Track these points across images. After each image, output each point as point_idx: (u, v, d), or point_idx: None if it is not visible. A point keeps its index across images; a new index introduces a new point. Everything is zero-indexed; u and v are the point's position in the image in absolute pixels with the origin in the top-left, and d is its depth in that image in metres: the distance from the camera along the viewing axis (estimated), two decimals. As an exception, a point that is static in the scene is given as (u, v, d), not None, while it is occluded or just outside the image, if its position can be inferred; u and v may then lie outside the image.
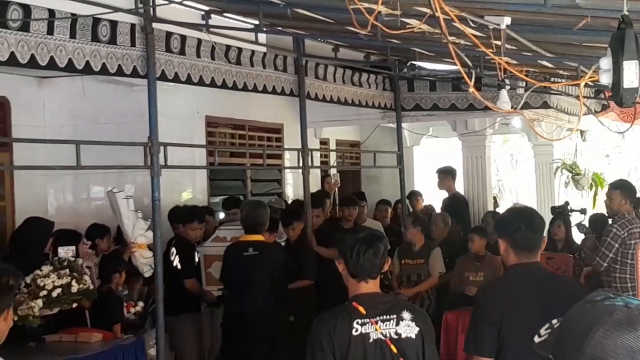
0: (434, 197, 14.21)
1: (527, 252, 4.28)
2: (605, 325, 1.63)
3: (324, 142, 13.26)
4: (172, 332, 7.96)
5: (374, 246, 4.10)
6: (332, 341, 4.00)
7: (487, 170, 12.58)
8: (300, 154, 9.31)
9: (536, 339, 1.85)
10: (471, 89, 5.62)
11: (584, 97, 9.67)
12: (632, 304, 1.67)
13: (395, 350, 4.01)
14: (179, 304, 7.97)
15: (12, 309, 3.38)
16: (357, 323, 4.00)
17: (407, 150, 13.28)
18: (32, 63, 5.91)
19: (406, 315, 4.07)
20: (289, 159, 10.84)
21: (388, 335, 4.02)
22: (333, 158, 13.50)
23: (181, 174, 9.07)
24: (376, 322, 4.02)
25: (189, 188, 9.45)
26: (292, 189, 11.14)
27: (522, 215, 4.48)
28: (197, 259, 8.32)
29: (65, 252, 6.55)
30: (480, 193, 12.35)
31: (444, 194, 12.63)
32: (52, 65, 6.09)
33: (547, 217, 11.92)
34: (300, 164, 9.32)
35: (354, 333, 3.99)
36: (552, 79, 10.38)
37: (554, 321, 1.82)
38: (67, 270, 6.15)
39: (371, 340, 4.00)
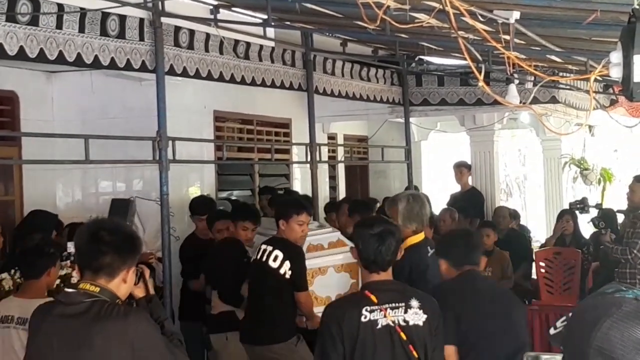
0: (440, 192, 14.20)
1: None
2: (613, 317, 1.63)
3: (332, 137, 13.25)
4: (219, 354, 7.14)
5: (387, 242, 4.25)
6: (340, 328, 4.11)
7: (495, 165, 12.57)
8: (308, 148, 9.30)
9: (551, 331, 1.86)
10: (481, 83, 5.62)
11: (594, 92, 9.63)
12: None
13: (404, 337, 4.10)
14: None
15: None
16: (366, 310, 4.12)
17: (415, 145, 13.26)
18: (41, 57, 5.91)
19: (414, 303, 4.18)
20: (297, 153, 10.83)
21: (397, 322, 4.13)
22: (341, 153, 13.49)
23: (189, 169, 9.06)
24: (385, 310, 4.13)
25: (197, 183, 9.45)
26: (300, 183, 11.13)
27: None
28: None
29: (72, 246, 6.53)
30: (489, 188, 12.33)
31: (451, 189, 12.62)
32: (61, 59, 6.09)
33: (556, 212, 11.94)
34: (308, 159, 9.32)
35: (362, 320, 4.11)
36: (561, 74, 10.35)
37: (570, 314, 1.83)
38: (68, 262, 6.12)
39: (380, 326, 4.11)
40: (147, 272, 3.88)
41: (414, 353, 4.10)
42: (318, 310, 6.33)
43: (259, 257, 6.45)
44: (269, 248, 6.40)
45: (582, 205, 9.64)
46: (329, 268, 6.73)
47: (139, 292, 3.82)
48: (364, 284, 4.31)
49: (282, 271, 6.29)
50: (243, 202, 8.67)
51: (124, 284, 3.55)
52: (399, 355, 4.11)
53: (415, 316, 4.14)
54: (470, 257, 5.00)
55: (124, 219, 6.83)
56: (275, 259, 6.32)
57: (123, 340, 3.40)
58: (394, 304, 4.15)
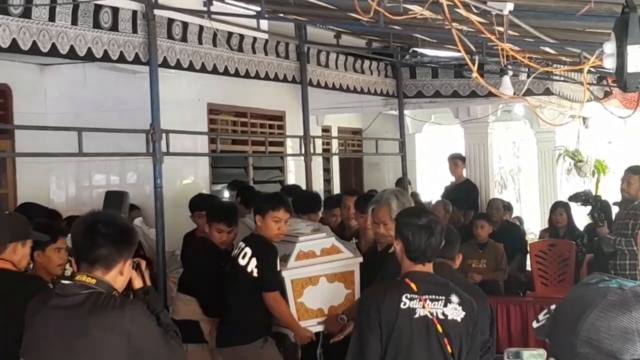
0: (433, 184, 14.23)
1: None
2: (598, 307, 1.64)
3: (326, 130, 13.24)
4: None
5: (435, 232, 4.22)
6: (379, 313, 4.12)
7: (489, 157, 12.58)
8: (302, 141, 9.30)
9: (534, 325, 1.86)
10: (474, 74, 5.62)
11: (587, 83, 9.64)
12: (626, 286, 1.68)
13: (440, 330, 4.10)
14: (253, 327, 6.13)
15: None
16: (406, 297, 4.13)
17: (409, 138, 13.26)
18: (34, 50, 5.89)
19: (454, 298, 4.19)
20: (291, 146, 10.82)
21: (435, 314, 4.14)
22: (335, 145, 13.48)
23: (183, 162, 9.05)
24: (425, 300, 4.13)
25: (191, 175, 9.44)
26: (294, 176, 11.13)
27: None
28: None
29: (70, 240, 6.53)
30: (483, 180, 12.35)
31: (445, 182, 12.64)
32: (53, 52, 6.08)
33: (550, 204, 11.96)
34: (302, 152, 9.31)
35: (402, 306, 4.11)
36: (555, 66, 10.35)
37: (552, 307, 1.84)
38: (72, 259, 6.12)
39: (417, 316, 4.12)
40: (143, 264, 3.87)
41: (448, 348, 4.11)
42: (307, 324, 5.99)
43: (234, 254, 6.13)
44: (242, 245, 6.07)
45: (586, 197, 9.64)
46: (321, 278, 6.07)
47: (137, 284, 3.81)
48: (405, 272, 4.26)
49: (249, 269, 5.92)
50: (221, 201, 8.02)
51: (120, 276, 3.56)
52: (434, 347, 4.12)
53: (454, 311, 4.15)
54: (442, 250, 4.83)
55: (118, 211, 6.76)
56: (244, 256, 5.97)
57: (119, 331, 3.40)
58: (434, 296, 4.15)
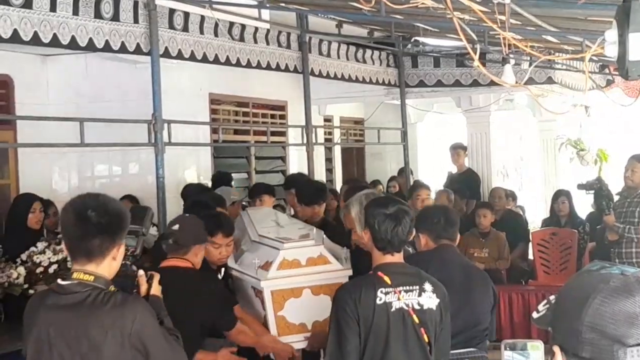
0: (434, 173, 14.22)
1: None
2: (602, 293, 1.65)
3: (328, 119, 13.25)
4: None
5: (402, 222, 4.16)
6: (357, 309, 4.06)
7: (491, 147, 12.58)
8: (304, 131, 9.30)
9: (534, 315, 1.86)
10: (476, 63, 5.61)
11: (589, 72, 9.64)
12: (627, 272, 1.69)
13: (417, 320, 4.08)
14: None
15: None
16: (381, 292, 4.08)
17: (411, 127, 13.26)
18: (35, 40, 5.90)
19: (428, 286, 4.16)
20: (293, 136, 10.82)
21: (410, 305, 4.10)
22: (337, 135, 13.48)
23: (185, 152, 9.05)
24: (399, 292, 4.09)
25: (193, 166, 9.44)
26: (296, 166, 11.13)
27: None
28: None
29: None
30: (485, 169, 12.34)
31: (446, 171, 12.63)
32: (55, 42, 6.08)
33: (552, 192, 11.95)
34: (305, 141, 9.31)
35: (378, 302, 4.06)
36: (557, 54, 10.34)
37: (551, 297, 1.84)
38: (63, 246, 6.11)
39: (394, 309, 4.08)
40: (156, 277, 3.70)
41: (425, 337, 4.09)
42: (288, 340, 5.30)
43: None
44: None
45: (599, 184, 9.60)
46: (305, 289, 5.39)
47: (142, 290, 3.67)
48: (376, 265, 4.21)
49: None
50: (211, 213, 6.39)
51: (113, 261, 3.47)
52: (411, 338, 4.09)
53: (429, 300, 4.12)
54: (448, 231, 5.09)
55: (140, 227, 6.53)
56: None
57: (120, 329, 3.34)
58: (407, 287, 4.11)
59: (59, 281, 3.51)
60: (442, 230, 5.08)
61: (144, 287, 3.67)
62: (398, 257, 4.22)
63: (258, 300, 5.44)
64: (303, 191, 7.26)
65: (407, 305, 4.08)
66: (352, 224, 5.25)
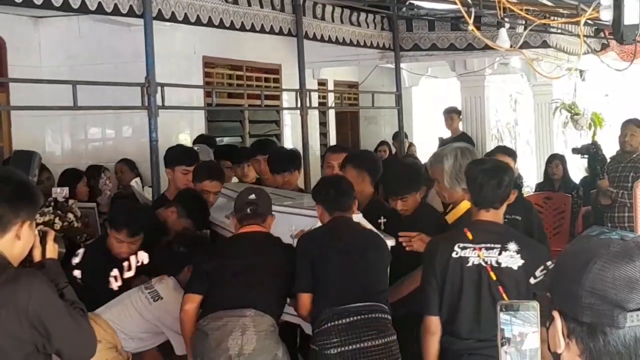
0: (427, 138, 14.21)
1: None
2: (602, 258, 1.65)
3: (322, 83, 13.19)
4: None
5: (498, 177, 4.27)
6: (435, 263, 4.27)
7: (486, 111, 12.56)
8: (298, 94, 9.27)
9: (532, 280, 1.87)
10: (471, 27, 5.58)
11: (584, 35, 9.61)
12: (627, 237, 1.70)
13: (494, 277, 4.16)
14: None
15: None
16: (459, 247, 4.23)
17: (405, 91, 13.22)
18: (27, 2, 5.86)
19: (512, 246, 4.22)
20: (287, 99, 10.79)
21: (489, 262, 4.19)
22: (331, 99, 13.44)
23: (179, 115, 9.01)
24: (480, 249, 4.21)
25: (186, 129, 9.41)
26: (290, 130, 11.11)
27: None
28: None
29: (59, 192, 6.45)
30: (479, 133, 12.34)
31: (437, 135, 12.61)
32: (47, 4, 6.04)
33: (545, 156, 11.96)
34: (299, 105, 9.28)
35: (453, 256, 4.22)
36: (552, 18, 10.29)
37: (548, 262, 1.85)
38: (51, 209, 6.08)
39: (470, 264, 4.21)
40: (50, 235, 3.41)
41: (504, 295, 4.13)
42: None
43: None
44: None
45: (595, 148, 9.60)
46: None
47: (36, 255, 3.35)
48: (471, 221, 4.37)
49: None
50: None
51: (18, 241, 3.13)
52: (484, 295, 4.18)
53: (510, 259, 4.17)
54: (340, 202, 5.03)
55: (26, 172, 6.46)
56: None
57: (14, 308, 3.01)
58: (490, 245, 4.21)
59: None
60: (334, 202, 5.03)
61: (37, 251, 3.34)
62: (493, 214, 4.30)
63: None
64: (274, 158, 7.02)
65: (486, 262, 4.18)
66: (439, 175, 5.20)
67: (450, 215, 5.18)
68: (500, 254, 4.18)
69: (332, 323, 4.72)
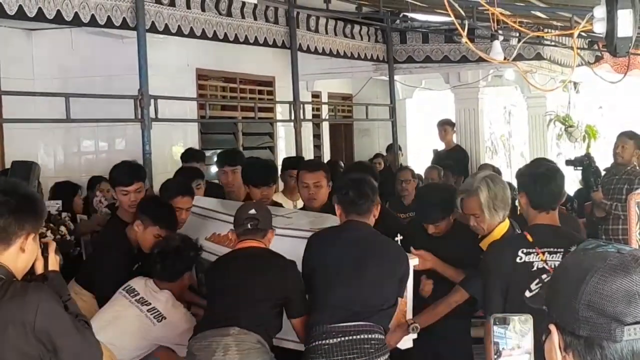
0: (422, 151, 14.20)
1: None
2: (599, 271, 1.64)
3: (316, 95, 13.19)
4: None
5: (555, 179, 4.43)
6: (499, 268, 4.33)
7: (480, 123, 12.57)
8: (292, 107, 9.26)
9: (527, 294, 1.86)
10: (464, 39, 5.58)
11: (578, 48, 9.62)
12: (624, 250, 1.68)
13: None
14: None
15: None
16: (522, 252, 4.28)
17: (399, 103, 13.22)
18: (20, 14, 5.83)
19: None
20: (281, 112, 10.78)
21: (553, 266, 4.20)
22: (325, 111, 13.44)
23: (172, 128, 9.01)
24: (543, 253, 4.25)
25: (180, 142, 9.40)
26: (284, 142, 11.10)
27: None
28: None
29: (52, 205, 6.39)
30: (474, 146, 12.34)
31: (432, 148, 12.60)
32: (40, 16, 6.01)
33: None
34: (292, 117, 9.27)
35: (517, 261, 4.26)
36: (546, 30, 10.31)
37: (544, 276, 1.84)
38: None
39: (535, 268, 4.23)
40: (52, 247, 3.38)
41: None
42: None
43: None
44: None
45: (588, 160, 9.60)
46: None
47: (39, 268, 3.32)
48: (529, 225, 4.44)
49: None
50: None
51: (22, 254, 3.13)
52: None
53: None
54: (357, 206, 4.88)
55: (25, 182, 6.41)
56: None
57: (21, 323, 3.00)
58: (552, 249, 4.26)
59: None
60: (351, 205, 4.88)
61: (39, 263, 3.31)
62: (551, 217, 4.40)
63: None
64: (253, 170, 6.66)
65: (549, 266, 4.21)
66: (477, 209, 4.97)
67: (484, 242, 4.96)
68: (564, 257, 4.18)
69: (319, 342, 4.68)
